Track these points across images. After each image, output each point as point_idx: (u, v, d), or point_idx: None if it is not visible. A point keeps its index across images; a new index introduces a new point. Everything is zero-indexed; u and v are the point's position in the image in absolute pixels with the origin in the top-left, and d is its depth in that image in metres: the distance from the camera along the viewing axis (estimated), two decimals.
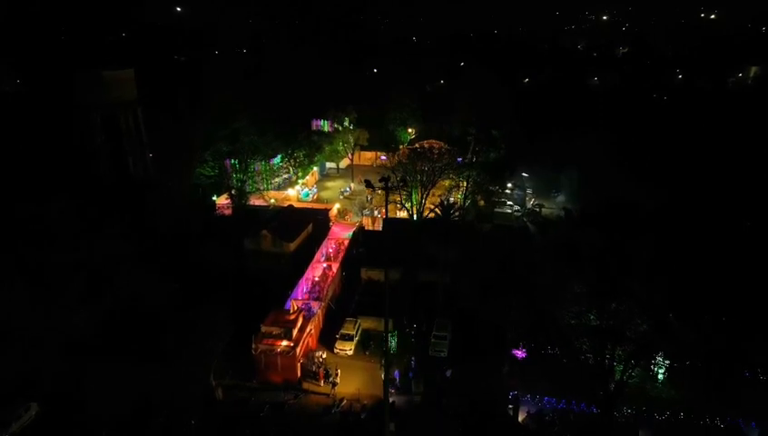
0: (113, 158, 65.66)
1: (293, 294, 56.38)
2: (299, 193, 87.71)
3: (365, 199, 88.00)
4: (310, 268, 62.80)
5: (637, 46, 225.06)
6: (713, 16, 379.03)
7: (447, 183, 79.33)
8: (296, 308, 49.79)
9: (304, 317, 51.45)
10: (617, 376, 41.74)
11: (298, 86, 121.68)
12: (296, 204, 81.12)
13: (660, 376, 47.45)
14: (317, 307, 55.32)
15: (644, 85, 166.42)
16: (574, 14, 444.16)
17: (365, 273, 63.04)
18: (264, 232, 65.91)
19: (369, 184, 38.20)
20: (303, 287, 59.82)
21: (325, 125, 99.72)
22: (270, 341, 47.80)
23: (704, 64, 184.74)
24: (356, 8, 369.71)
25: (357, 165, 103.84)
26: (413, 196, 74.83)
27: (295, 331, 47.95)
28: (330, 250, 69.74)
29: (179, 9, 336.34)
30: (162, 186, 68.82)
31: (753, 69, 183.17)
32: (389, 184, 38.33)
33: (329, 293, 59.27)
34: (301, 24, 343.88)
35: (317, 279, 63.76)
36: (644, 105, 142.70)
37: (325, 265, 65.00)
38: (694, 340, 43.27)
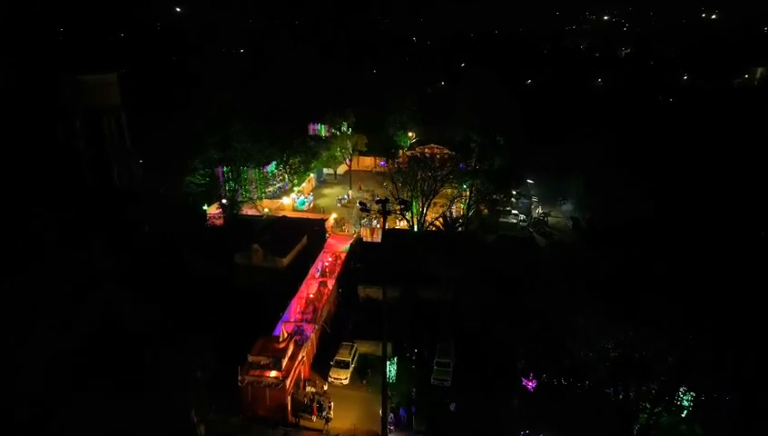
0: (96, 166, 60.99)
1: (285, 316, 51.86)
2: (294, 201, 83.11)
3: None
4: (303, 285, 58.26)
5: (640, 47, 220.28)
6: (714, 16, 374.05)
7: (449, 191, 74.73)
8: (286, 335, 45.21)
9: (296, 343, 46.90)
10: (642, 417, 37.26)
11: (296, 88, 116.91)
12: (291, 214, 76.59)
13: (684, 413, 42.84)
14: (310, 330, 50.78)
15: (647, 87, 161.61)
16: (574, 15, 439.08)
17: (362, 291, 58.47)
18: (255, 246, 61.36)
19: (364, 208, 33.65)
20: (296, 307, 55.28)
21: (322, 130, 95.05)
22: (258, 372, 43.27)
23: (709, 65, 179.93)
24: (356, 8, 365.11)
25: (355, 171, 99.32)
26: (414, 206, 70.26)
27: (285, 361, 43.39)
28: (326, 263, 65.24)
29: (178, 9, 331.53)
30: (148, 196, 64.24)
31: (759, 70, 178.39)
32: (387, 207, 33.89)
33: (324, 314, 54.71)
34: (301, 23, 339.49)
35: (311, 296, 59.31)
36: (650, 107, 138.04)
37: (320, 281, 60.44)
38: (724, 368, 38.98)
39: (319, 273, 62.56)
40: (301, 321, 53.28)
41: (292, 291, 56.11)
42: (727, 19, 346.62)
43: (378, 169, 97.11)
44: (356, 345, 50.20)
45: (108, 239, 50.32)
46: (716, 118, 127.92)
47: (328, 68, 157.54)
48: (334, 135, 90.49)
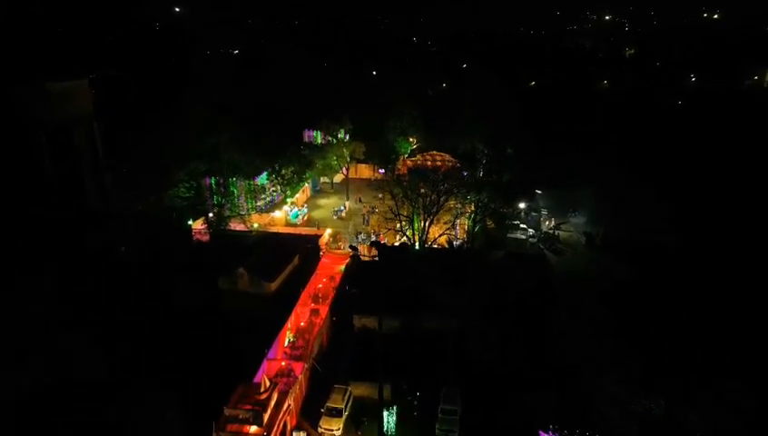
0: (65, 184, 54.65)
1: (271, 353, 45.54)
2: (287, 213, 76.62)
3: (361, 220, 77.06)
4: (293, 313, 51.93)
5: (644, 47, 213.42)
6: (716, 16, 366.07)
7: (452, 203, 68.10)
8: (268, 384, 38.82)
9: (282, 387, 40.61)
10: None
11: (291, 92, 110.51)
12: (282, 229, 70.21)
13: None
14: (299, 370, 44.42)
15: (655, 88, 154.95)
16: (575, 14, 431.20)
17: (358, 321, 52.11)
18: (240, 269, 55.00)
19: (355, 256, 27.16)
20: (284, 340, 48.97)
21: (318, 137, 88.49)
22: (236, 427, 36.92)
23: (716, 66, 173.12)
24: (357, 8, 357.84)
25: (353, 179, 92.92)
26: (414, 222, 63.84)
27: (267, 415, 37.04)
28: (320, 286, 58.84)
29: (177, 9, 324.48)
30: (122, 215, 58.08)
31: None
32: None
33: (315, 348, 48.36)
34: (301, 23, 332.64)
35: (302, 324, 53.11)
36: (660, 111, 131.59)
37: (312, 309, 54.12)
38: None
39: (311, 299, 56.25)
40: (290, 357, 47.01)
41: (280, 320, 49.76)
42: (728, 19, 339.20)
43: (376, 176, 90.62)
44: (350, 389, 43.85)
45: (66, 271, 44.10)
46: (730, 122, 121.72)
47: (325, 71, 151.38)
48: (330, 143, 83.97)
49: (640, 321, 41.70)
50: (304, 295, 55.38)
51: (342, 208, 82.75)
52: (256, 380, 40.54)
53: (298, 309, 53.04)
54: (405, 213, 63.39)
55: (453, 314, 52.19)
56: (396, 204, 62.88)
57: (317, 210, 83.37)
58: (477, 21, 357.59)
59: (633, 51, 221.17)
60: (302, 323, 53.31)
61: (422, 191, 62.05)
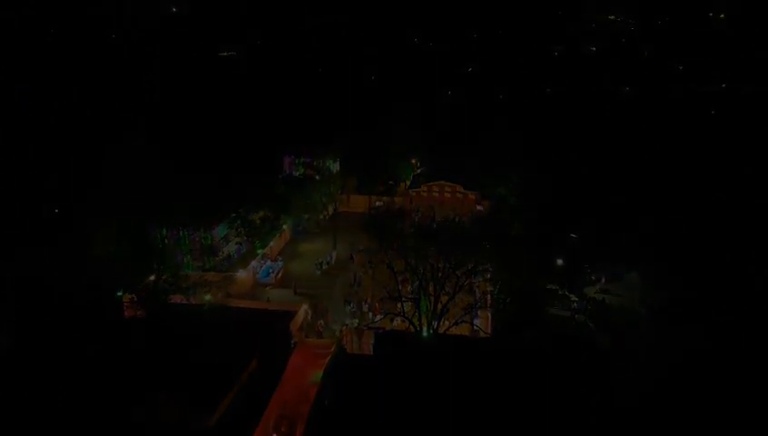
0: None
1: None
2: (255, 272, 56.65)
3: (351, 278, 57.14)
4: None
5: (659, 49, 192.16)
6: (722, 16, 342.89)
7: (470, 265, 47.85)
8: None
9: None
10: None
11: (274, 103, 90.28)
12: (244, 303, 50.07)
13: None
14: None
15: (681, 95, 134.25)
16: (575, 14, 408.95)
17: None
18: (162, 397, 35.16)
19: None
20: None
21: (300, 168, 68.21)
22: None
23: (746, 69, 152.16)
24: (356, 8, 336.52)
25: (345, 212, 73.16)
26: (422, 302, 43.95)
27: None
28: (286, 403, 39.08)
29: (175, 9, 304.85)
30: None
31: None
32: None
33: None
34: (300, 26, 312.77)
35: None
36: (695, 123, 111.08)
37: None
38: None
39: (271, 432, 36.48)
40: None
41: None
42: (734, 19, 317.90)
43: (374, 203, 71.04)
44: None
45: None
46: None
47: (320, 76, 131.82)
48: (313, 178, 63.83)
49: None
50: (261, 428, 35.74)
51: (330, 257, 62.77)
52: None
53: None
54: (408, 293, 43.58)
55: None
56: (396, 281, 42.97)
57: (296, 260, 63.22)
58: (478, 21, 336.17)
59: (646, 53, 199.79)
60: None
61: (433, 264, 42.09)
